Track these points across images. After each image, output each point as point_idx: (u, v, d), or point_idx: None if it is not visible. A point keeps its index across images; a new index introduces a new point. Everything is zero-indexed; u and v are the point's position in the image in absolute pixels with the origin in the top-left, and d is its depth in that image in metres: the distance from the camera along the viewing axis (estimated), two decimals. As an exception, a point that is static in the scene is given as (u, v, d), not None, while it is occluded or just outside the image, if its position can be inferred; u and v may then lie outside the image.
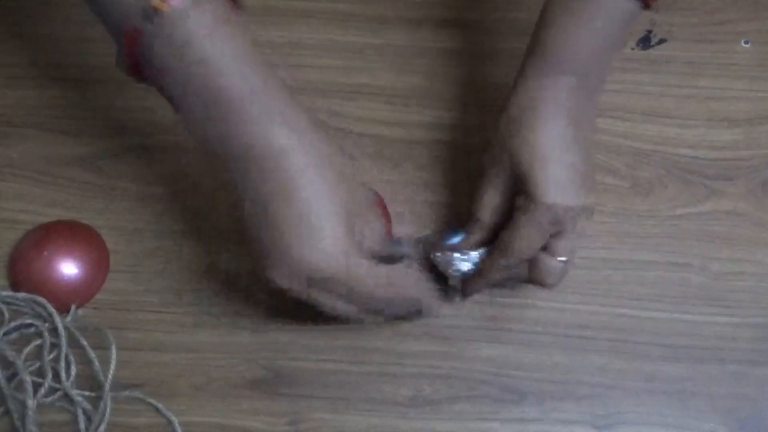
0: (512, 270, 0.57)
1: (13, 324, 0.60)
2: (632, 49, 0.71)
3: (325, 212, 0.50)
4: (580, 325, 0.62)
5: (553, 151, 0.55)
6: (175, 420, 0.59)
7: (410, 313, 0.57)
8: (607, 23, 0.55)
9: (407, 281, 0.55)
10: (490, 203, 0.57)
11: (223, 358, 0.61)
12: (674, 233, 0.65)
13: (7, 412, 0.58)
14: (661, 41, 0.71)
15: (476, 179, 0.59)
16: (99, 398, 0.58)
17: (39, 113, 0.68)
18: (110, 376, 0.58)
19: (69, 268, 0.62)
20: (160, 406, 0.59)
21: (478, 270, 0.58)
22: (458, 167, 0.67)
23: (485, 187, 0.57)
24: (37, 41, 0.71)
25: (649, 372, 0.61)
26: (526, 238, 0.55)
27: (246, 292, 0.63)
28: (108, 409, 0.58)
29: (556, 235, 0.56)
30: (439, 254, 0.59)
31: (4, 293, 0.61)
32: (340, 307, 0.54)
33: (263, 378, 0.60)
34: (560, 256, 0.56)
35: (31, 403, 0.57)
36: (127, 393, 0.59)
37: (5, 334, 0.60)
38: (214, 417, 0.59)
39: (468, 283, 0.60)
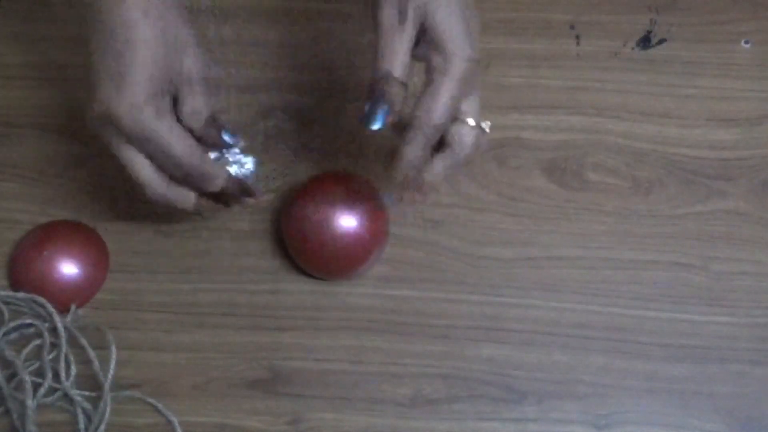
0: (432, 144, 0.53)
1: (12, 324, 0.60)
2: (632, 49, 0.71)
3: (139, 68, 0.51)
4: (580, 325, 0.62)
5: (463, 7, 0.52)
6: (174, 420, 0.59)
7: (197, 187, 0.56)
8: None
9: (193, 151, 0.54)
10: (402, 59, 0.52)
11: (223, 357, 0.61)
12: (674, 233, 0.65)
13: (7, 412, 0.58)
14: (661, 41, 0.71)
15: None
16: (99, 398, 0.58)
17: (39, 113, 0.68)
18: (110, 376, 0.58)
19: (69, 268, 0.62)
20: (159, 405, 0.59)
21: (396, 153, 0.53)
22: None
23: (393, 43, 0.51)
24: (37, 41, 0.71)
25: (649, 372, 0.61)
26: (449, 98, 0.52)
27: (246, 291, 0.63)
28: (108, 409, 0.58)
29: (468, 96, 0.53)
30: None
31: (4, 293, 0.61)
32: (143, 168, 0.54)
33: (263, 378, 0.60)
34: (470, 118, 0.54)
35: (30, 403, 0.57)
36: (126, 393, 0.59)
37: (5, 334, 0.60)
38: (214, 417, 0.59)
39: (395, 175, 0.54)
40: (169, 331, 0.62)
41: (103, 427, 0.58)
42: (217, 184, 0.56)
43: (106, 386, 0.58)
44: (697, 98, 0.69)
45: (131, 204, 0.66)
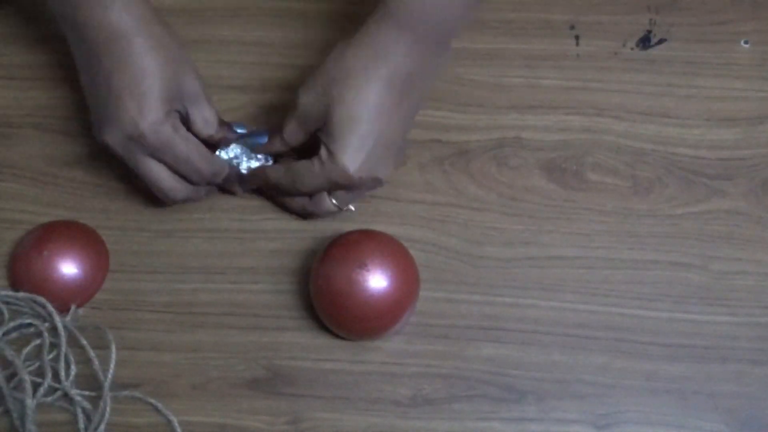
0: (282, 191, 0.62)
1: (12, 324, 0.60)
2: (632, 49, 0.71)
3: (155, 91, 0.57)
4: (580, 325, 0.62)
5: (367, 120, 0.58)
6: (174, 419, 0.59)
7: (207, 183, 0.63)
8: None
9: (206, 156, 0.61)
10: (296, 135, 0.61)
11: (223, 357, 0.61)
12: (674, 233, 0.65)
13: (7, 412, 0.58)
14: (661, 41, 0.71)
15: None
16: (98, 398, 0.58)
17: (39, 113, 0.68)
18: (110, 376, 0.58)
19: (69, 268, 0.62)
20: (159, 405, 0.59)
21: (259, 168, 0.63)
22: (458, 167, 0.67)
23: (293, 121, 0.61)
24: (37, 42, 0.71)
25: (649, 371, 0.61)
26: (314, 185, 0.60)
27: (246, 291, 0.63)
28: (107, 409, 0.58)
29: (343, 189, 0.61)
30: (239, 143, 0.64)
31: (4, 293, 0.61)
32: (165, 177, 0.60)
33: (263, 377, 0.60)
34: (336, 200, 0.62)
35: (30, 402, 0.57)
36: (126, 392, 0.59)
37: (5, 333, 0.60)
38: (214, 416, 0.59)
39: (249, 176, 0.64)
40: (169, 331, 0.62)
41: (102, 426, 0.58)
42: (223, 176, 0.63)
43: (106, 386, 0.58)
44: (696, 98, 0.69)
45: (131, 204, 0.66)
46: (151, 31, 0.58)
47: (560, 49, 0.71)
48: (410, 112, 0.60)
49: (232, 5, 0.72)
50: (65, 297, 0.62)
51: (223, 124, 0.62)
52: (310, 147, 0.61)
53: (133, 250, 0.64)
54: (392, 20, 0.57)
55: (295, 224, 0.65)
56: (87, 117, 0.67)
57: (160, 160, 0.59)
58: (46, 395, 0.59)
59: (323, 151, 0.59)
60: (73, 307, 0.62)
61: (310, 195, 0.62)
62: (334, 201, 0.62)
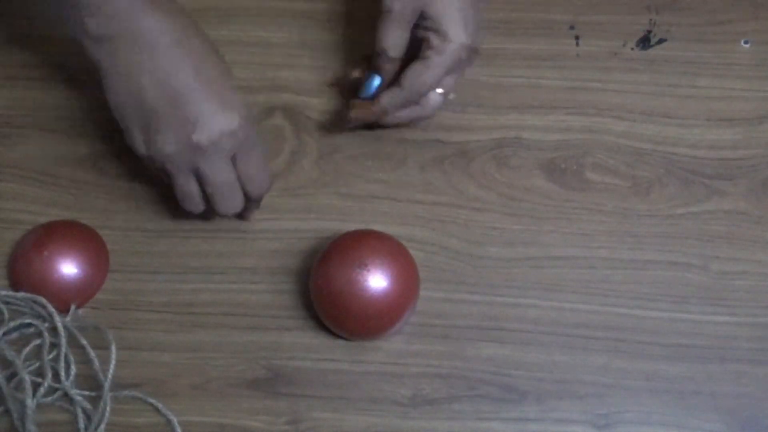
0: (404, 105, 0.62)
1: (12, 324, 0.60)
2: (632, 49, 0.71)
3: (233, 84, 0.58)
4: (580, 325, 0.62)
5: (461, 2, 0.60)
6: (174, 419, 0.59)
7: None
8: None
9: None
10: (399, 41, 0.61)
11: (223, 357, 0.61)
12: (674, 233, 0.65)
13: (7, 412, 0.58)
14: (661, 41, 0.71)
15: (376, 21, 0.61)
16: (98, 398, 0.58)
17: (39, 113, 0.68)
18: (110, 376, 0.58)
19: (69, 268, 0.62)
20: (159, 405, 0.59)
21: (376, 96, 0.63)
22: (458, 167, 0.67)
23: (393, 26, 0.60)
24: (37, 41, 0.71)
25: (649, 371, 0.61)
26: (435, 74, 0.61)
27: (246, 291, 0.63)
28: (108, 409, 0.58)
29: (452, 72, 0.62)
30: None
31: (4, 293, 0.61)
32: (194, 191, 0.59)
33: (263, 377, 0.60)
34: (443, 89, 0.63)
35: (30, 402, 0.57)
36: (126, 393, 0.59)
37: (5, 333, 0.60)
38: (214, 416, 0.59)
39: (363, 108, 0.63)
40: (169, 331, 0.62)
41: (102, 426, 0.58)
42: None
43: (106, 386, 0.58)
44: (696, 98, 0.69)
45: (131, 204, 0.66)
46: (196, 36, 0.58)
47: (560, 49, 0.71)
48: None
49: (232, 5, 0.72)
50: (65, 297, 0.62)
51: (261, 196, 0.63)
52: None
53: (133, 250, 0.64)
54: None
55: (295, 224, 0.65)
56: (87, 117, 0.68)
57: (201, 176, 0.58)
58: (46, 395, 0.59)
59: (434, 39, 0.60)
60: (73, 307, 0.62)
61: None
62: (439, 91, 0.62)
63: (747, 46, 0.71)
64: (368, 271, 0.58)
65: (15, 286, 0.63)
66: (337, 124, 0.67)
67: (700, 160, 0.67)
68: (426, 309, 0.62)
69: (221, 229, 0.65)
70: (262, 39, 0.71)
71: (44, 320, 0.61)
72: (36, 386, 0.58)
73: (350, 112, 0.63)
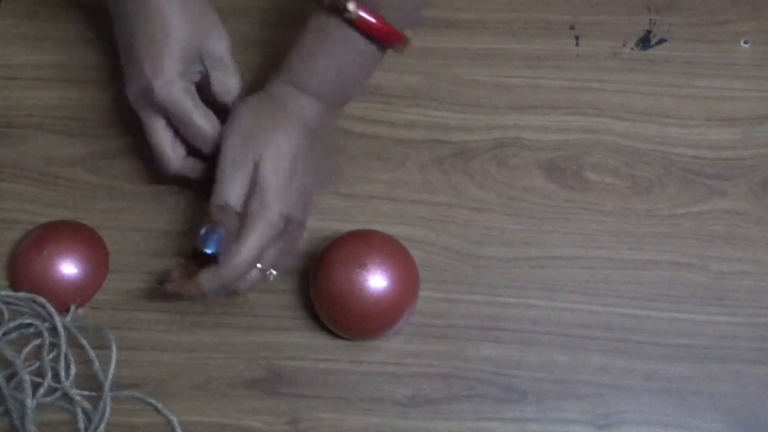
0: (224, 282, 0.57)
1: (12, 324, 0.60)
2: (632, 49, 0.71)
3: (172, 50, 0.58)
4: (581, 325, 0.62)
5: (293, 167, 0.58)
6: (174, 419, 0.59)
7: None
8: (346, 57, 0.59)
9: (213, 122, 0.60)
10: (240, 191, 0.57)
11: (223, 357, 0.61)
12: (674, 233, 0.65)
13: (7, 412, 0.58)
14: (661, 41, 0.71)
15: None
16: (98, 398, 0.58)
17: (39, 113, 0.68)
18: (110, 376, 0.58)
19: (69, 268, 0.62)
20: (159, 405, 0.59)
21: (193, 277, 0.57)
22: (458, 167, 0.67)
23: (236, 175, 0.57)
24: (37, 41, 0.71)
25: (649, 371, 0.61)
26: (252, 248, 0.56)
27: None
28: (108, 409, 0.58)
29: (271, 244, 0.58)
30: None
31: (4, 293, 0.61)
32: (165, 140, 0.60)
33: (262, 377, 0.60)
34: (262, 264, 0.58)
35: (30, 402, 0.57)
36: (126, 392, 0.59)
37: (5, 333, 0.60)
38: (214, 416, 0.59)
39: (179, 281, 0.58)
40: (169, 331, 0.62)
41: (102, 426, 0.58)
42: None
43: (106, 386, 0.58)
44: (696, 98, 0.69)
45: (131, 204, 0.66)
46: None
47: (560, 49, 0.71)
48: (315, 164, 0.60)
49: (232, 5, 0.72)
50: (65, 297, 0.62)
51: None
52: None
53: (133, 250, 0.64)
54: (296, 83, 0.59)
55: (295, 224, 0.65)
56: (87, 117, 0.68)
57: (169, 122, 0.60)
58: (46, 395, 0.59)
59: (254, 204, 0.57)
60: (73, 307, 0.62)
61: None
62: (258, 266, 0.58)
63: (747, 46, 0.71)
64: (368, 271, 0.58)
65: (15, 286, 0.63)
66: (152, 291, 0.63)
67: (700, 160, 0.67)
68: (426, 309, 0.62)
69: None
70: (262, 39, 0.71)
71: (44, 320, 0.61)
72: (36, 386, 0.58)
73: (167, 285, 0.58)
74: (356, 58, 0.59)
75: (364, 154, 0.67)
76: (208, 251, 0.57)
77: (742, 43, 0.71)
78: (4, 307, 0.61)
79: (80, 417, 0.58)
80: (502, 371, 0.61)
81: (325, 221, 0.65)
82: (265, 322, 0.62)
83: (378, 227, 0.63)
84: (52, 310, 0.60)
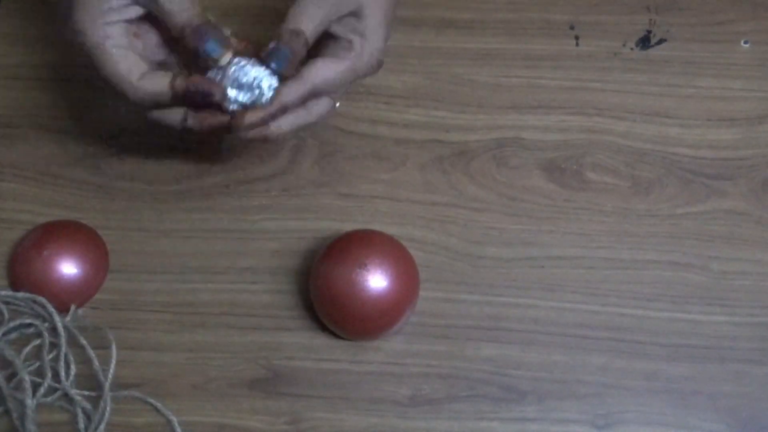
0: (299, 102, 0.55)
1: (12, 324, 0.60)
2: (632, 49, 0.71)
3: None
4: (580, 325, 0.62)
5: (390, 12, 0.57)
6: (174, 419, 0.59)
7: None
8: None
9: (111, 66, 0.55)
10: (316, 24, 0.55)
11: (223, 357, 0.61)
12: (674, 233, 0.65)
13: (7, 412, 0.58)
14: (661, 41, 0.71)
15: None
16: (98, 398, 0.58)
17: (39, 113, 0.68)
18: (110, 376, 0.58)
19: (69, 268, 0.62)
20: (159, 405, 0.59)
21: (272, 96, 0.55)
22: (458, 167, 0.67)
23: (314, 12, 0.55)
24: (37, 41, 0.71)
25: (649, 371, 0.61)
26: (345, 79, 0.55)
27: (246, 291, 0.63)
28: (108, 409, 0.58)
29: None
30: (235, 68, 0.55)
31: (4, 293, 0.61)
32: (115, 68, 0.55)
33: (262, 377, 0.60)
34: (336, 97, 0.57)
35: (30, 402, 0.57)
36: (126, 393, 0.59)
37: (5, 333, 0.60)
38: (214, 416, 0.59)
39: (249, 113, 0.55)
40: (169, 331, 0.62)
41: (102, 426, 0.58)
42: (161, 101, 0.56)
43: (107, 386, 0.58)
44: (696, 98, 0.69)
45: (131, 204, 0.66)
46: None
47: (560, 49, 0.71)
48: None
49: (232, 5, 0.72)
50: (65, 297, 0.62)
51: (203, 28, 0.54)
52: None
53: (133, 250, 0.64)
54: None
55: (295, 224, 0.65)
56: (87, 117, 0.68)
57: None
58: (46, 395, 0.59)
59: (357, 43, 0.55)
60: (73, 307, 0.62)
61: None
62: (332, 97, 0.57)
63: (747, 46, 0.71)
64: (368, 271, 0.58)
65: (15, 286, 0.63)
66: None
67: (700, 160, 0.67)
68: (426, 309, 0.62)
69: (221, 229, 0.65)
70: (262, 39, 0.71)
71: (44, 320, 0.61)
72: (36, 386, 0.58)
73: (190, 118, 0.55)
74: None
75: (364, 154, 0.67)
76: (271, 67, 0.54)
77: (742, 43, 0.71)
78: (4, 307, 0.61)
79: (80, 417, 0.58)
80: (502, 371, 0.61)
81: (325, 221, 0.65)
82: (265, 322, 0.62)
83: (378, 227, 0.63)
84: (52, 310, 0.60)
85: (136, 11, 0.55)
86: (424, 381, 0.60)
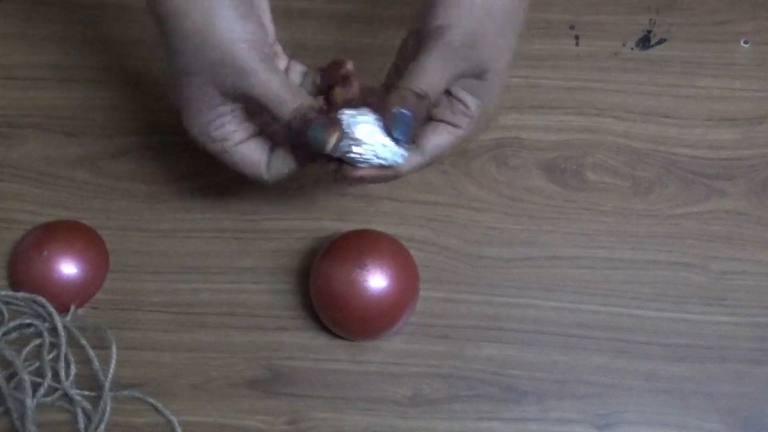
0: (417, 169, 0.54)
1: (12, 324, 0.60)
2: (632, 49, 0.71)
3: (184, 94, 0.52)
4: (580, 325, 0.62)
5: (507, 59, 0.54)
6: (174, 419, 0.59)
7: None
8: None
9: (241, 164, 0.55)
10: (442, 85, 0.52)
11: (223, 357, 0.61)
12: (674, 233, 0.65)
13: (7, 412, 0.58)
14: (661, 41, 0.71)
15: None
16: (99, 398, 0.58)
17: (39, 113, 0.68)
18: (110, 376, 0.58)
19: (68, 268, 0.62)
20: (159, 405, 0.59)
21: (386, 163, 0.52)
22: (458, 167, 0.67)
23: (439, 64, 0.51)
24: (38, 41, 0.71)
25: (649, 371, 0.61)
26: (457, 143, 0.54)
27: (246, 291, 0.63)
28: (108, 409, 0.58)
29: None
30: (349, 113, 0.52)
31: (4, 293, 0.61)
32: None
33: (262, 377, 0.60)
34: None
35: (30, 402, 0.57)
36: (126, 392, 0.59)
37: (5, 333, 0.60)
38: (214, 416, 0.59)
39: (365, 171, 0.52)
40: (169, 331, 0.62)
41: (103, 426, 0.58)
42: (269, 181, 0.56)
43: (107, 386, 0.58)
44: (696, 98, 0.69)
45: (131, 204, 0.66)
46: (180, 21, 0.50)
47: (560, 49, 0.71)
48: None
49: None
50: (65, 297, 0.62)
51: (307, 108, 0.51)
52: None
53: (133, 250, 0.64)
54: None
55: (295, 224, 0.65)
56: (87, 117, 0.68)
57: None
58: (46, 395, 0.59)
59: (474, 106, 0.53)
60: (73, 307, 0.62)
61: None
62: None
63: (747, 46, 0.71)
64: (368, 271, 0.58)
65: (15, 286, 0.63)
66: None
67: (700, 160, 0.67)
68: (426, 309, 0.62)
69: (221, 229, 0.65)
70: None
71: (44, 320, 0.61)
72: (36, 386, 0.58)
73: (357, 171, 0.52)
74: None
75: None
76: (396, 135, 0.50)
77: (742, 43, 0.71)
78: (4, 307, 0.61)
79: (80, 417, 0.58)
80: (502, 371, 0.61)
81: (325, 221, 0.65)
82: (265, 322, 0.62)
83: (378, 227, 0.63)
84: (52, 310, 0.60)
85: (240, 105, 0.54)
86: (424, 381, 0.60)
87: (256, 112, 0.54)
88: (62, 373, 0.59)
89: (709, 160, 0.67)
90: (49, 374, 0.59)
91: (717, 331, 0.62)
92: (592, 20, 0.72)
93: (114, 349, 0.59)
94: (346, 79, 0.54)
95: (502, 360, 0.61)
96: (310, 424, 0.59)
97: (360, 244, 0.59)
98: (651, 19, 0.72)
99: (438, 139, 0.54)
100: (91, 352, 0.59)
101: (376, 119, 0.51)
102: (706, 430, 0.59)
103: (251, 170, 0.55)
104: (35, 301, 0.61)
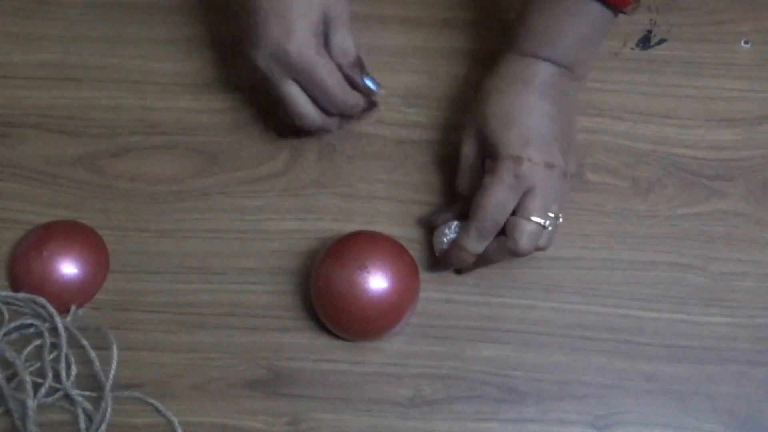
0: (489, 238, 0.59)
1: (13, 324, 0.60)
2: (632, 49, 0.71)
3: (304, 12, 0.59)
4: (580, 325, 0.62)
5: (522, 116, 0.59)
6: (174, 420, 0.59)
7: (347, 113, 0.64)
8: (587, 22, 0.59)
9: (342, 86, 0.62)
10: (468, 177, 0.61)
11: (223, 358, 0.61)
12: (674, 233, 0.65)
13: (8, 412, 0.58)
14: (661, 41, 0.71)
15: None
16: (99, 398, 0.59)
17: (38, 113, 0.68)
18: (111, 376, 0.58)
19: (69, 268, 0.62)
20: (160, 406, 0.59)
21: (455, 239, 0.61)
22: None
23: (462, 163, 0.62)
24: (37, 41, 0.71)
25: (649, 372, 0.61)
26: (493, 196, 0.57)
27: (246, 291, 0.63)
28: (109, 409, 0.58)
29: (527, 193, 0.58)
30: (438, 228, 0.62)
31: (4, 293, 0.61)
32: (304, 102, 0.61)
33: (263, 378, 0.60)
34: (533, 216, 0.57)
35: (31, 403, 0.57)
36: (127, 393, 0.59)
37: (5, 334, 0.60)
38: (214, 417, 0.59)
39: (446, 253, 0.61)
40: (169, 332, 0.62)
41: (103, 427, 0.58)
42: (357, 110, 0.64)
43: (107, 386, 0.58)
44: (696, 98, 0.69)
45: (131, 204, 0.66)
46: None
47: (560, 49, 0.71)
48: (568, 116, 0.61)
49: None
50: (65, 297, 0.62)
51: (358, 63, 0.62)
52: None
53: (133, 250, 0.64)
54: (525, 49, 0.61)
55: (295, 225, 0.65)
56: (87, 117, 0.68)
57: (300, 84, 0.60)
58: (47, 396, 0.59)
59: (489, 164, 0.59)
60: (73, 308, 0.62)
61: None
62: (535, 219, 0.58)
63: (747, 46, 0.71)
64: (368, 272, 0.58)
65: (15, 286, 0.63)
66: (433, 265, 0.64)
67: (699, 161, 0.67)
68: (426, 310, 0.62)
69: (221, 229, 0.65)
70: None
71: (44, 320, 0.61)
72: (37, 387, 0.58)
73: (450, 255, 0.61)
74: (595, 23, 0.59)
75: (364, 154, 0.67)
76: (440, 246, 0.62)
77: (742, 43, 0.71)
78: (4, 308, 0.61)
79: (81, 417, 0.58)
80: (502, 372, 0.61)
81: (325, 221, 0.65)
82: (265, 323, 0.62)
83: (378, 227, 0.63)
84: (52, 310, 0.60)
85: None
86: (424, 382, 0.61)
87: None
88: (63, 374, 0.59)
89: (709, 161, 0.67)
90: (50, 375, 0.59)
91: (716, 332, 0.62)
92: (593, 20, 0.72)
93: (115, 350, 0.59)
94: None
95: (501, 361, 0.61)
96: (311, 424, 0.59)
97: (360, 246, 0.59)
98: (651, 19, 0.72)
99: (473, 201, 0.60)
100: (92, 353, 0.59)
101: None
102: (705, 431, 0.59)
103: (305, 105, 0.61)
104: (35, 302, 0.61)
